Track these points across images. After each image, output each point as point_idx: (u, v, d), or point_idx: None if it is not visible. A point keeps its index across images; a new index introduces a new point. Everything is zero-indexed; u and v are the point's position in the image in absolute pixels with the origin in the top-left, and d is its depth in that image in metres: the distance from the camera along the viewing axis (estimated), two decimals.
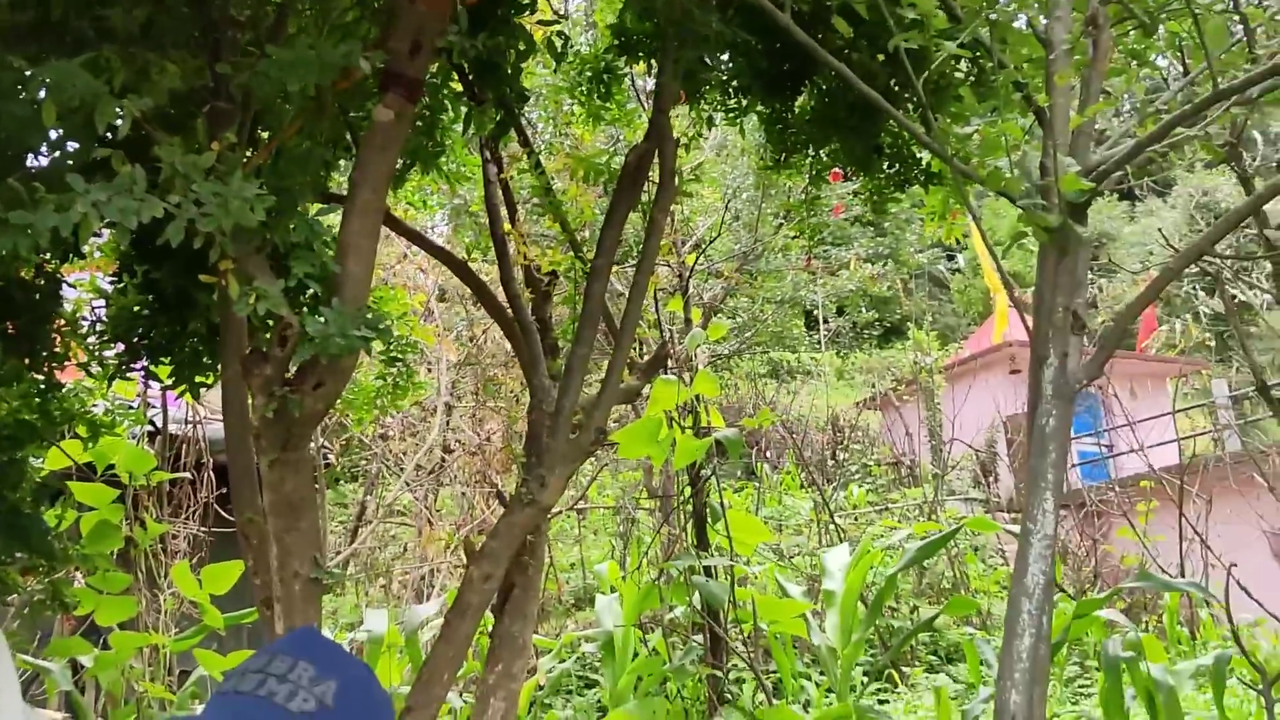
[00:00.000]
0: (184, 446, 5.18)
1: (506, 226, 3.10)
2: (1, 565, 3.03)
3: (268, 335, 1.88)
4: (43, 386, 3.10)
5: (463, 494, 7.95)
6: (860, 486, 14.28)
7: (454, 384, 7.24)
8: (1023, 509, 2.20)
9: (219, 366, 2.74)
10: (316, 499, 1.91)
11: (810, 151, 3.27)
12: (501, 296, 3.13)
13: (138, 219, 1.66)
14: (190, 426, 5.24)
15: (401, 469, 7.08)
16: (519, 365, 8.30)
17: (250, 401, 1.92)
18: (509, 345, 8.86)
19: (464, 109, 2.81)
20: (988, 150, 2.35)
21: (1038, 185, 2.25)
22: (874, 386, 18.87)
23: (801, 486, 14.11)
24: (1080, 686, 7.47)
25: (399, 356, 3.62)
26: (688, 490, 4.13)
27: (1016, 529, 4.25)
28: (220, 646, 4.24)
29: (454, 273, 3.29)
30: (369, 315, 1.77)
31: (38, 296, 2.55)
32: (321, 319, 1.69)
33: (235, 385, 2.11)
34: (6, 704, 1.19)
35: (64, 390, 3.31)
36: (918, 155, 3.20)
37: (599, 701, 5.70)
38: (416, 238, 3.32)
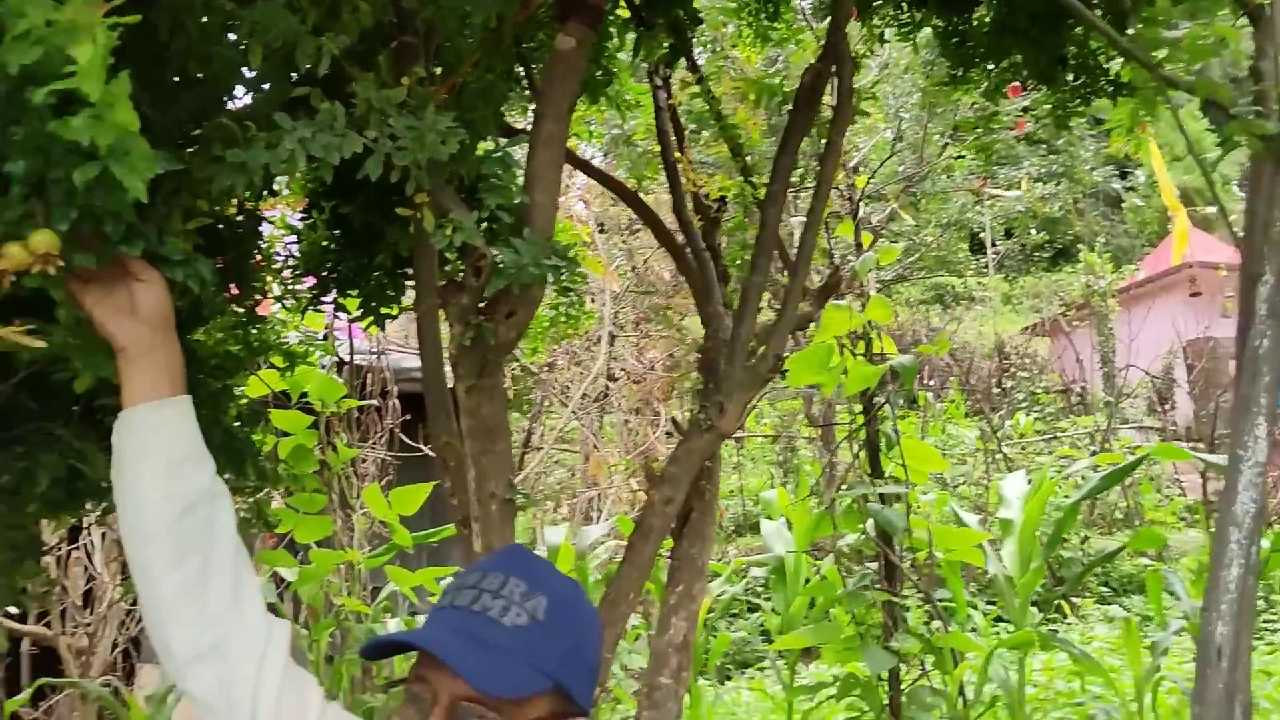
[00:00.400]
0: (369, 376, 5.43)
1: (677, 154, 3.08)
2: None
3: (461, 266, 1.93)
4: (244, 319, 3.30)
5: (625, 421, 8.09)
6: (1028, 415, 13.89)
7: (616, 314, 7.33)
8: (1231, 435, 2.08)
9: (402, 299, 2.86)
10: (509, 424, 1.97)
11: (988, 66, 3.13)
12: (671, 225, 3.14)
13: (339, 154, 1.72)
14: (375, 357, 5.48)
15: (566, 398, 7.24)
16: (680, 295, 8.30)
17: (446, 330, 1.99)
18: (668, 275, 8.91)
19: (633, 35, 2.79)
20: (1195, 55, 2.20)
21: (1253, 91, 2.10)
22: (1041, 312, 18.20)
23: (966, 415, 13.81)
24: (1264, 622, 7.13)
25: (571, 286, 3.68)
26: (860, 418, 4.08)
27: (1212, 458, 4.06)
28: (409, 564, 4.48)
29: (624, 201, 3.31)
30: (557, 245, 1.80)
31: (241, 233, 2.67)
32: (514, 249, 1.73)
33: (428, 316, 2.18)
34: (250, 610, 1.28)
35: (262, 322, 3.50)
36: (1105, 65, 3.02)
37: (763, 625, 5.78)
38: (586, 167, 3.34)
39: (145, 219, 1.42)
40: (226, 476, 3.11)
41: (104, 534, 5.28)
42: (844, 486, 4.08)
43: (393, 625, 4.40)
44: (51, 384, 2.33)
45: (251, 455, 2.90)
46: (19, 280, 1.21)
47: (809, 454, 12.25)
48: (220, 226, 2.64)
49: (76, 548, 4.92)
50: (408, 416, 5.68)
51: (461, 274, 1.88)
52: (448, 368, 2.30)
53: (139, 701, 4.34)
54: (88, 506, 2.80)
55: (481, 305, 1.90)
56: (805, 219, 2.55)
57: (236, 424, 3.05)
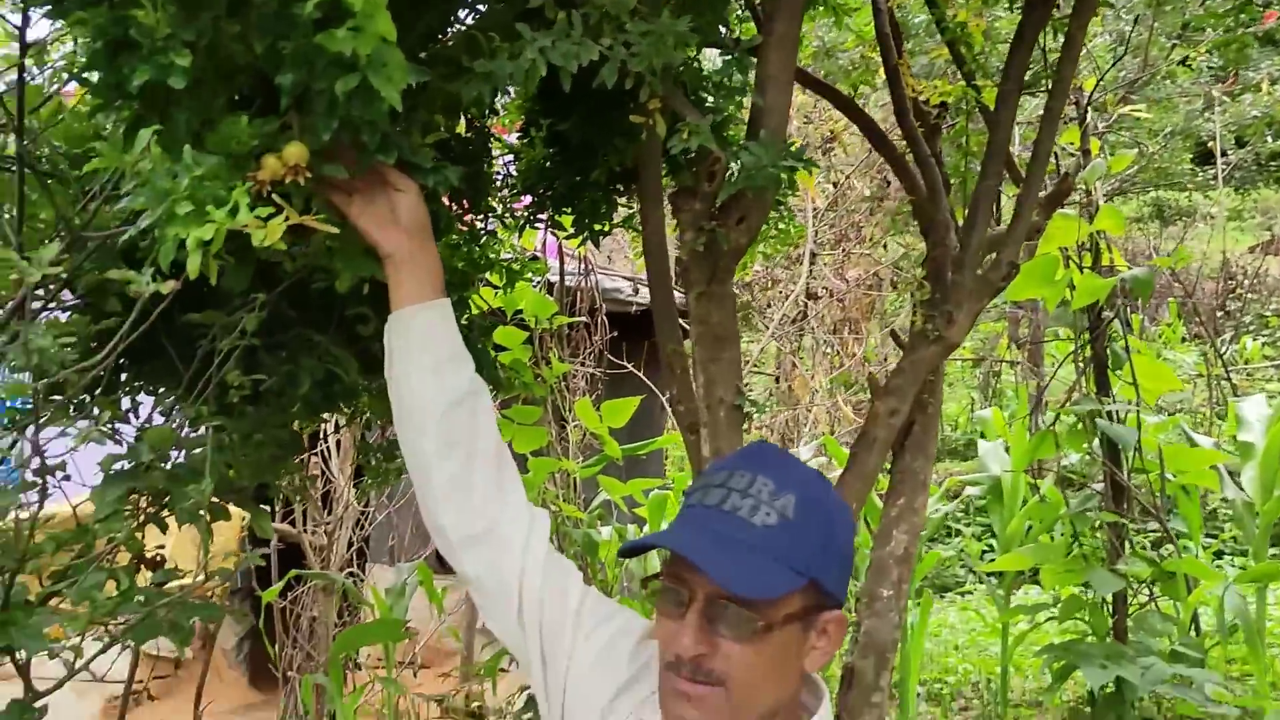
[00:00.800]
0: (577, 295, 5.57)
1: (899, 59, 2.97)
2: None
3: (693, 172, 1.94)
4: (468, 236, 3.43)
5: (824, 340, 8.00)
6: (1255, 340, 12.92)
7: (816, 232, 7.22)
8: None
9: (614, 216, 2.89)
10: (738, 330, 1.98)
11: None
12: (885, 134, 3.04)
13: (577, 62, 1.74)
14: (583, 277, 5.62)
15: (764, 318, 7.22)
16: (881, 213, 8.06)
17: (678, 238, 2.00)
18: (868, 192, 8.66)
19: None
20: None
21: None
22: (1272, 229, 16.76)
23: (1184, 340, 12.96)
24: None
25: (780, 200, 3.64)
26: (1084, 335, 3.90)
27: None
28: (619, 474, 4.62)
29: (840, 109, 3.23)
30: (792, 147, 1.77)
31: (471, 150, 2.75)
32: (749, 152, 1.72)
33: (654, 225, 2.20)
34: (514, 497, 1.35)
35: (483, 240, 3.63)
36: None
37: (963, 549, 5.68)
38: (801, 75, 3.27)
39: (396, 129, 1.49)
40: None
41: (338, 441, 5.67)
42: (1067, 404, 3.91)
43: (605, 532, 4.56)
44: (310, 293, 2.49)
45: (488, 363, 3.04)
46: (273, 190, 1.29)
47: (1011, 378, 11.80)
48: (452, 143, 2.74)
49: (315, 453, 5.30)
50: (614, 334, 5.81)
51: (694, 180, 1.88)
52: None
53: (380, 593, 4.69)
54: (343, 411, 3.00)
55: (713, 211, 1.91)
56: (1041, 120, 2.42)
57: (468, 334, 3.20)
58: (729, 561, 1.02)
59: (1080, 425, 3.77)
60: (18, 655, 1.60)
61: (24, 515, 1.52)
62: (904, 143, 3.00)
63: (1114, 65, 4.79)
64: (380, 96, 1.30)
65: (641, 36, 1.76)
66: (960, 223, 2.70)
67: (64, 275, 1.34)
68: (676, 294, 2.33)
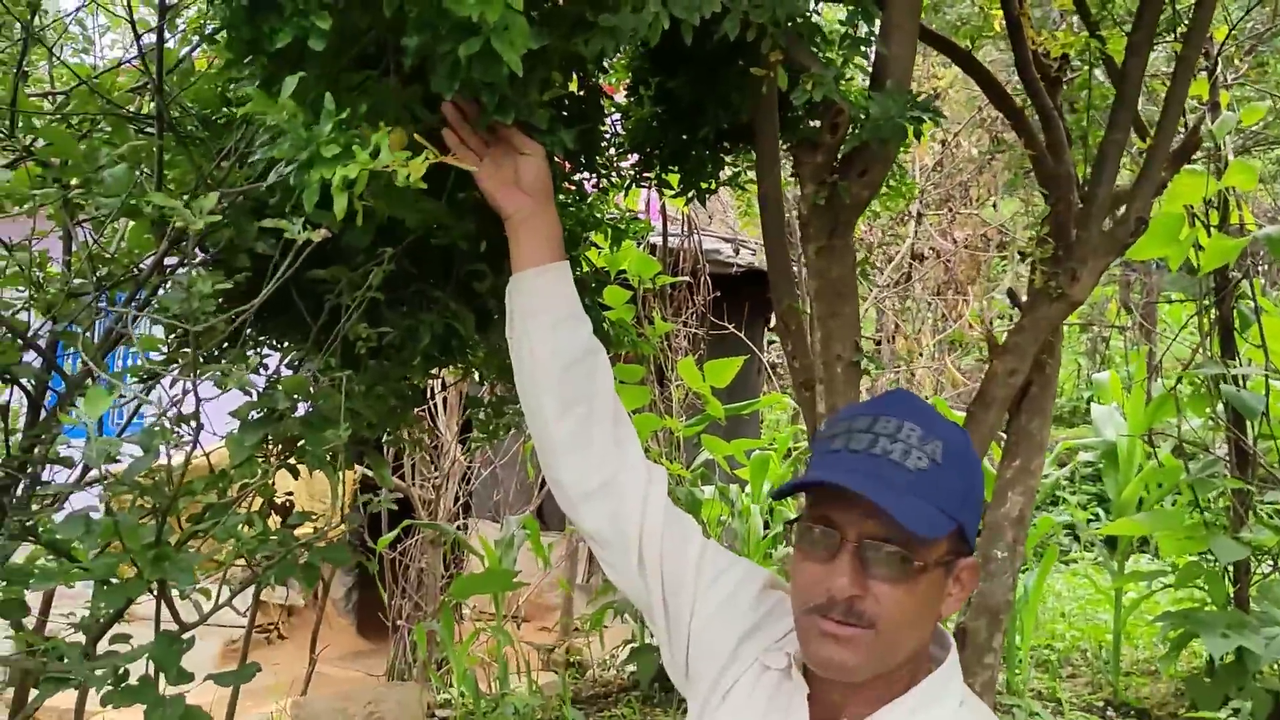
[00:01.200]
0: (681, 256, 5.58)
1: (1020, 10, 2.88)
2: None
3: (813, 126, 1.92)
4: (576, 195, 3.45)
5: (929, 303, 7.86)
6: None
7: (923, 192, 7.07)
8: None
9: (721, 174, 2.88)
10: (857, 285, 1.96)
11: None
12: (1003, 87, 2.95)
13: (700, 14, 1.73)
14: (686, 237, 5.61)
15: (867, 278, 7.11)
16: (988, 173, 7.83)
17: (799, 191, 1.99)
18: (976, 152, 8.44)
19: None
20: None
21: None
22: None
23: None
24: None
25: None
26: (1210, 296, 3.76)
27: None
28: (720, 433, 4.63)
29: (956, 62, 3.15)
30: (918, 97, 1.74)
31: (584, 108, 2.75)
32: (875, 102, 1.69)
33: (771, 180, 2.19)
34: (632, 452, 1.37)
35: (589, 199, 3.65)
36: None
37: (1069, 517, 5.56)
38: None
39: (515, 90, 1.51)
40: None
41: (445, 398, 5.80)
42: (1189, 368, 3.78)
43: (708, 491, 4.58)
44: (430, 250, 2.54)
45: (596, 320, 3.08)
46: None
47: (1119, 343, 11.45)
48: (565, 102, 2.76)
49: (423, 409, 5.42)
50: (717, 294, 5.80)
51: (815, 133, 1.86)
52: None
53: (489, 545, 4.80)
54: (459, 365, 3.07)
55: (835, 164, 1.89)
56: (1174, 69, 2.32)
57: (579, 292, 3.23)
58: (895, 499, 1.03)
59: (1204, 389, 3.65)
60: (169, 591, 1.69)
61: (175, 459, 1.59)
62: (1022, 97, 2.92)
63: (1246, 15, 4.56)
64: (501, 59, 1.32)
65: None
66: (1082, 178, 2.62)
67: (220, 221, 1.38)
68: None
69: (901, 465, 1.06)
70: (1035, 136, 2.73)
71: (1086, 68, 3.16)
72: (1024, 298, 2.59)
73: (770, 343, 8.75)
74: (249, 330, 2.75)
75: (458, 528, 5.39)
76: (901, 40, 1.83)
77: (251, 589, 5.07)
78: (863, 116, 1.69)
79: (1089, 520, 7.19)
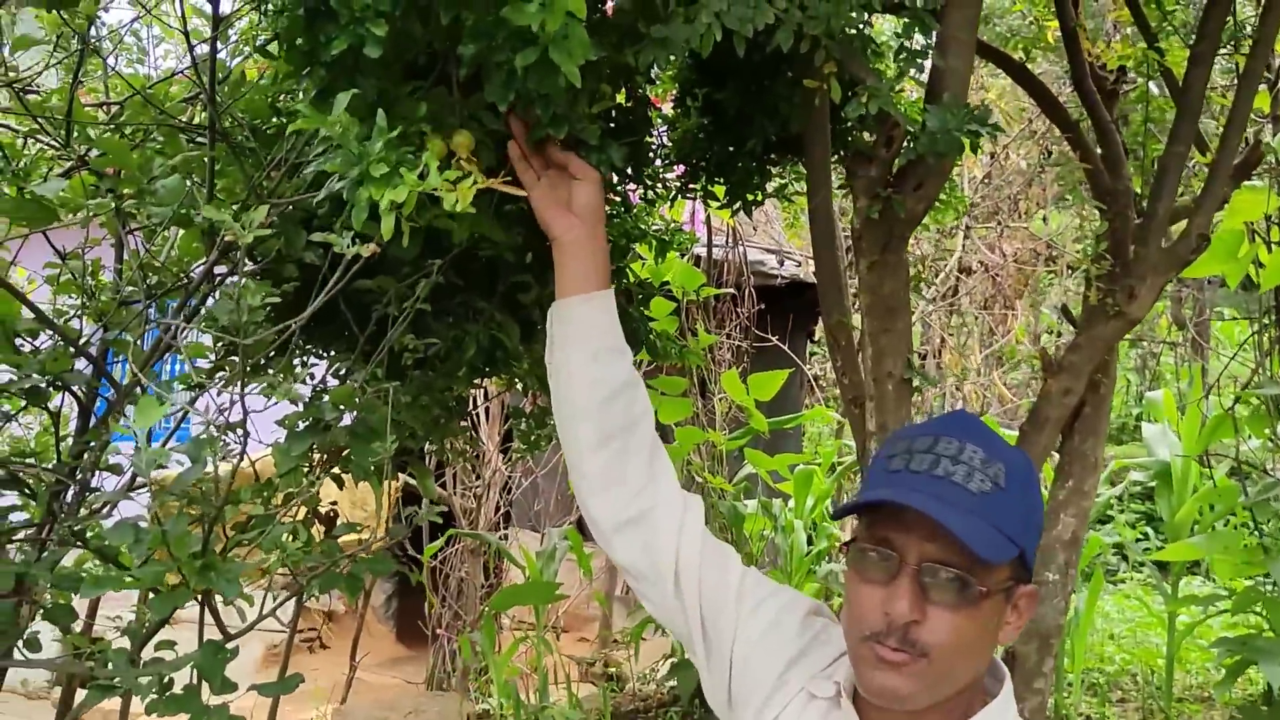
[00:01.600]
0: (725, 267, 5.55)
1: (1077, 22, 2.83)
2: None
3: (866, 138, 1.89)
4: (622, 206, 3.43)
5: (975, 316, 7.77)
6: None
7: (972, 204, 6.99)
8: None
9: (768, 186, 2.85)
10: (910, 301, 1.93)
11: None
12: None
13: (753, 26, 1.71)
14: (730, 249, 5.59)
15: (919, 292, 7.01)
16: (1035, 186, 7.72)
17: (851, 205, 1.96)
18: (1024, 165, 8.33)
19: None
20: None
21: None
22: None
23: None
24: None
25: None
26: (1270, 314, 3.67)
27: None
28: (763, 446, 4.59)
29: (1010, 74, 3.10)
30: (976, 110, 1.70)
31: (632, 120, 2.74)
32: (932, 115, 1.66)
33: (821, 191, 2.16)
34: (666, 484, 1.35)
35: (634, 209, 3.63)
36: None
37: (1118, 538, 5.45)
38: None
39: (567, 103, 1.50)
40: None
41: (487, 408, 5.81)
42: (1249, 387, 3.69)
43: (750, 505, 4.54)
44: (475, 261, 2.53)
45: (645, 333, 3.05)
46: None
47: (1170, 360, 11.25)
48: (614, 114, 2.75)
49: (465, 419, 5.43)
50: (761, 306, 5.77)
51: (870, 146, 1.83)
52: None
53: (531, 556, 4.79)
54: (503, 376, 3.06)
55: (889, 178, 1.85)
56: (1239, 81, 2.27)
57: (625, 305, 3.21)
58: (962, 521, 1.00)
59: (1264, 409, 3.55)
60: (214, 599, 1.69)
61: (223, 467, 1.59)
62: (1077, 109, 2.87)
63: None
64: (558, 70, 1.30)
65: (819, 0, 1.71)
66: (1138, 193, 2.56)
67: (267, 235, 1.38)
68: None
69: (964, 488, 1.03)
70: (1091, 150, 2.67)
71: (1143, 80, 3.10)
72: (1077, 314, 2.54)
73: (812, 354, 8.69)
74: (296, 342, 2.76)
75: (499, 537, 5.39)
76: (959, 53, 1.80)
77: (293, 596, 5.08)
78: (918, 130, 1.66)
79: (1138, 539, 7.05)
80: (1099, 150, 2.62)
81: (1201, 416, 4.13)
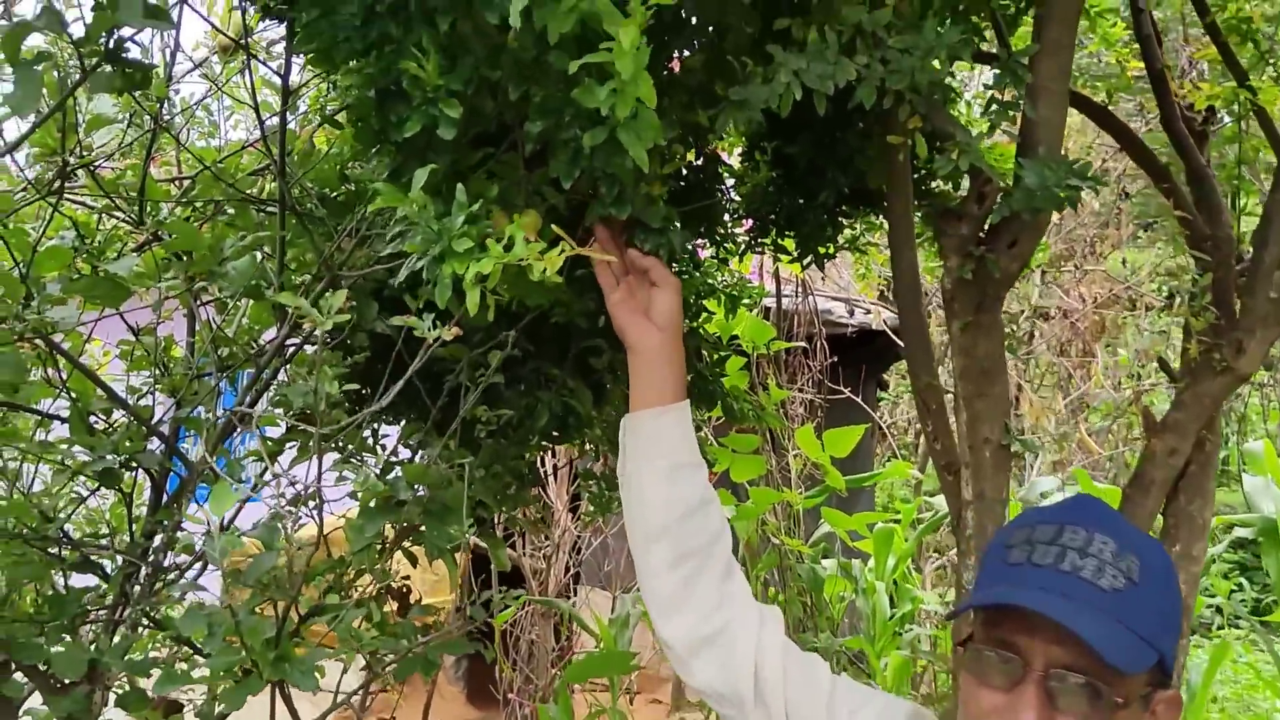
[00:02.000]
0: (795, 319, 5.46)
1: (1165, 61, 2.72)
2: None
3: (951, 194, 1.81)
4: (691, 263, 3.38)
5: (1051, 364, 7.57)
6: None
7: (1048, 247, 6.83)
8: None
9: (839, 238, 2.77)
10: (1007, 364, 1.83)
11: None
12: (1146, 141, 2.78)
13: (833, 83, 1.65)
14: (801, 301, 5.50)
15: (1015, 352, 6.84)
16: (1111, 226, 7.55)
17: (942, 264, 1.87)
18: (1097, 206, 8.14)
19: None
20: None
21: None
22: None
23: None
24: None
25: None
26: None
27: None
28: (842, 506, 4.46)
29: (1090, 117, 2.99)
30: (1075, 164, 1.62)
31: (702, 178, 2.69)
32: (1030, 170, 1.57)
33: (905, 249, 2.07)
34: (741, 600, 1.27)
35: (703, 265, 3.58)
36: None
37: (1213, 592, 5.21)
38: None
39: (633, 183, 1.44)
40: (702, 408, 3.20)
41: (555, 466, 5.76)
42: None
43: (828, 564, 4.41)
44: (546, 327, 2.47)
45: (721, 394, 2.98)
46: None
47: (1257, 401, 10.85)
48: (684, 172, 2.70)
49: (536, 485, 5.38)
50: (834, 359, 5.66)
51: (961, 202, 1.75)
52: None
53: (604, 622, 4.70)
54: (576, 442, 3.01)
55: (980, 235, 1.77)
56: None
57: (699, 363, 3.15)
58: (1090, 623, 0.91)
59: None
60: (288, 689, 1.63)
61: (296, 549, 1.54)
62: (1166, 153, 2.76)
63: None
64: (625, 151, 1.26)
65: (902, 53, 1.65)
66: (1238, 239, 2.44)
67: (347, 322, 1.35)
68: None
69: (1094, 584, 0.94)
70: (1185, 197, 2.56)
71: (1234, 120, 2.97)
72: (1175, 364, 2.41)
73: (880, 400, 8.53)
74: (362, 408, 2.74)
75: (568, 599, 5.31)
76: (1051, 103, 1.71)
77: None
78: (1012, 185, 1.58)
79: (1232, 591, 6.74)
80: (1192, 196, 2.51)
81: None
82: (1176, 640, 0.98)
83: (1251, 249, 2.26)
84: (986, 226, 1.75)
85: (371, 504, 1.93)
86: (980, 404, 1.85)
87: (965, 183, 1.83)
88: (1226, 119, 3.11)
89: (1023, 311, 6.74)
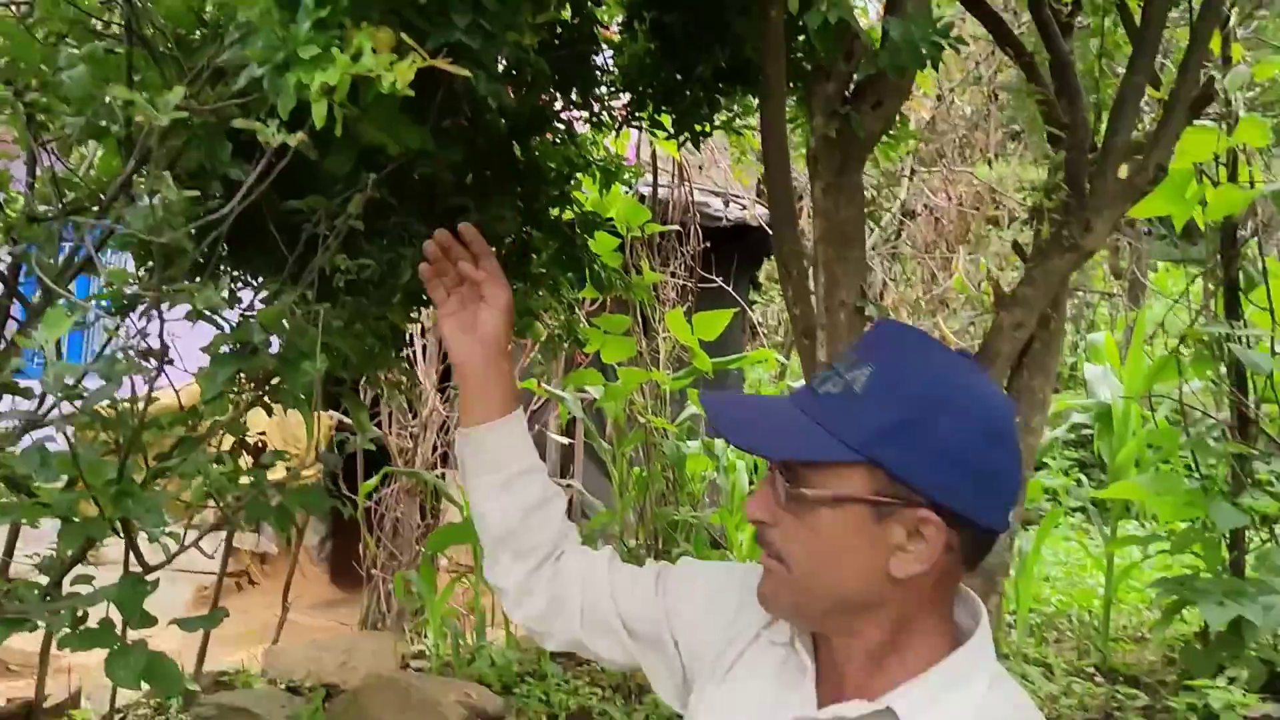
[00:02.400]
0: (669, 206, 5.46)
1: None
2: (535, 302, 3.38)
3: (823, 55, 1.81)
4: (565, 134, 3.32)
5: (918, 262, 7.79)
6: None
7: (917, 146, 6.96)
8: None
9: (717, 117, 2.76)
10: (865, 228, 1.86)
11: None
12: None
13: None
14: (676, 187, 5.49)
15: (876, 221, 6.94)
16: (979, 130, 7.71)
17: (808, 124, 1.88)
18: (969, 110, 8.31)
19: None
20: None
21: None
22: None
23: None
24: None
25: None
26: (1215, 254, 3.68)
27: None
28: (706, 388, 4.54)
29: (964, 4, 3.03)
30: (938, 22, 1.63)
31: (576, 38, 2.63)
32: (896, 26, 1.58)
33: (775, 114, 2.07)
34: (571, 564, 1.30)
35: (578, 138, 3.52)
36: None
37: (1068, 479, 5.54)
38: None
39: (508, 9, 1.39)
40: (569, 275, 3.17)
41: (424, 345, 5.69)
42: (1193, 328, 3.72)
43: (693, 445, 4.51)
44: (411, 182, 2.40)
45: (589, 262, 2.96)
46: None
47: (1105, 310, 11.43)
48: (559, 32, 2.63)
49: (402, 356, 5.28)
50: (708, 244, 5.69)
51: (829, 60, 1.76)
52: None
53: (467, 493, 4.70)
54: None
55: (846, 94, 1.78)
56: (1199, 12, 2.22)
57: (573, 230, 3.12)
58: (759, 422, 0.98)
59: (1206, 351, 3.58)
60: (135, 533, 1.59)
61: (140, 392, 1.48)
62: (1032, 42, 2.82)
63: None
64: None
65: None
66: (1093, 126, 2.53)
67: (185, 118, 1.27)
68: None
69: (815, 392, 0.97)
70: (1046, 83, 2.63)
71: (1101, 13, 3.05)
72: (1030, 252, 2.50)
73: (753, 303, 8.66)
74: (223, 266, 2.63)
75: (437, 477, 5.30)
76: None
77: (223, 534, 4.95)
78: (879, 41, 1.59)
79: (1076, 484, 7.17)
80: (1054, 84, 2.58)
81: (1144, 359, 4.17)
82: (925, 456, 0.92)
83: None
84: (853, 86, 1.77)
85: (223, 350, 1.87)
86: (838, 268, 1.89)
87: None
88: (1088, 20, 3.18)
89: (890, 209, 6.90)
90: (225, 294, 2.28)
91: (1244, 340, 3.44)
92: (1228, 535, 3.54)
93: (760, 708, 1.06)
